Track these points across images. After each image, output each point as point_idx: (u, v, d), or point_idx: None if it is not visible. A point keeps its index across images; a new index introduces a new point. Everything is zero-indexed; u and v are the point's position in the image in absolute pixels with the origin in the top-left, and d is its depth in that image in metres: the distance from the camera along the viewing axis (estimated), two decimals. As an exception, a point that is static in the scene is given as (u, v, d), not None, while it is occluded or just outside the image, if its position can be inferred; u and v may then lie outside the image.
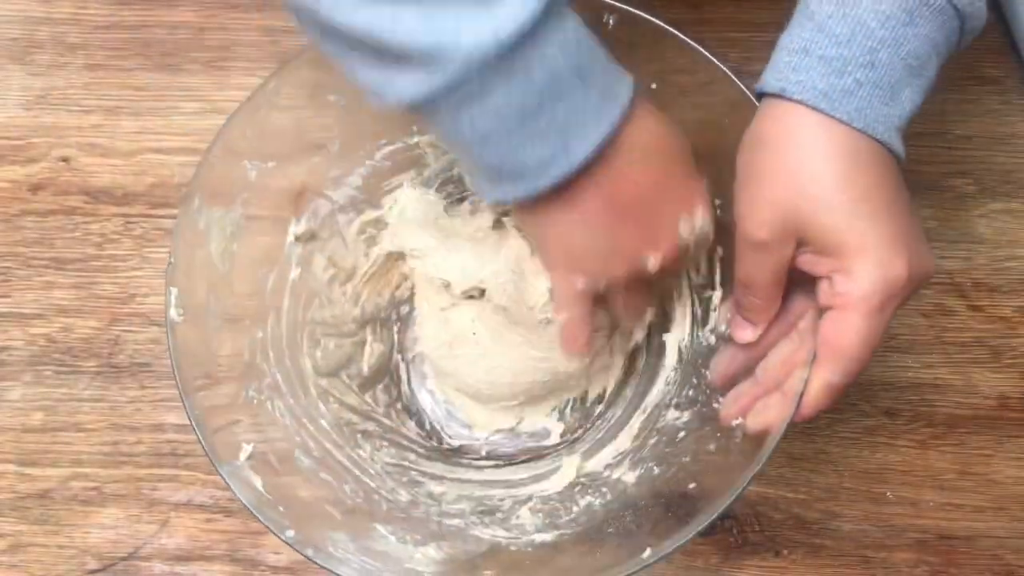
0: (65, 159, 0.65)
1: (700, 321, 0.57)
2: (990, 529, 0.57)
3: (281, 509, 0.45)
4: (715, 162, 0.51)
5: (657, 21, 0.49)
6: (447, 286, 0.56)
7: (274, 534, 0.43)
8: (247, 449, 0.47)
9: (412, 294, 0.61)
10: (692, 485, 0.48)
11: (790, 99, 0.41)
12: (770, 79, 0.42)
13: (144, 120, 0.66)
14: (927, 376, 0.60)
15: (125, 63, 0.68)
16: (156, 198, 0.64)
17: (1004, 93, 0.67)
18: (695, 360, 0.56)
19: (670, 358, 0.58)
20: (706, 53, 0.49)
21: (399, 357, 0.61)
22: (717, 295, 0.55)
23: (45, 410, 0.60)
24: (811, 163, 0.40)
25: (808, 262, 0.43)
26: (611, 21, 0.50)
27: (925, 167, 0.65)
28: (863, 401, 0.60)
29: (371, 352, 0.59)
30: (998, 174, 0.65)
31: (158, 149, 0.65)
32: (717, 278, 0.55)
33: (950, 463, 0.59)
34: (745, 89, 0.47)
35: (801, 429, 0.59)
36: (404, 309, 0.62)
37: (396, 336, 0.61)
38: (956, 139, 0.66)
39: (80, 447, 0.59)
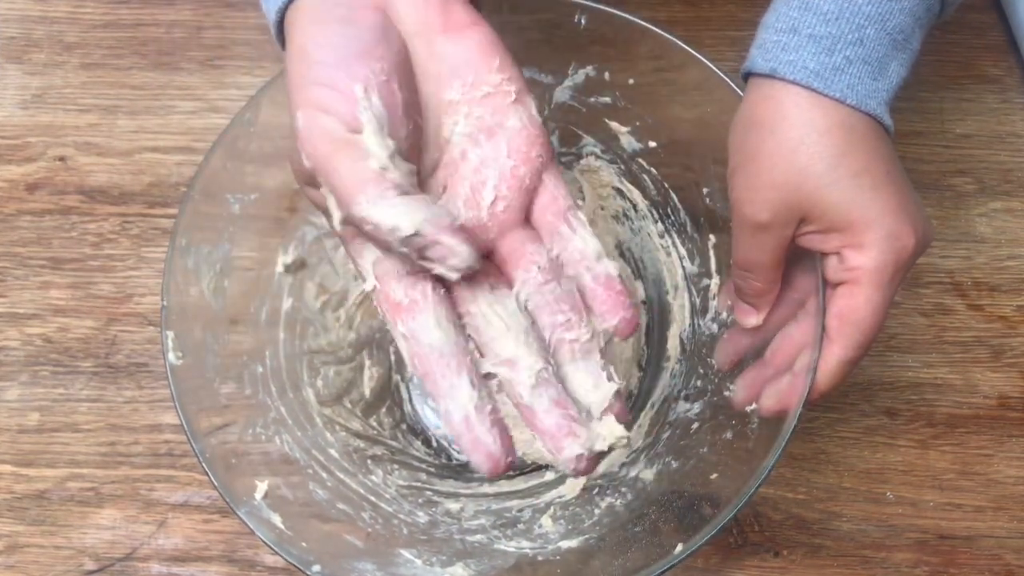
0: (62, 158, 0.65)
1: (699, 310, 0.57)
2: (990, 529, 0.57)
3: (304, 544, 0.44)
4: (707, 156, 0.51)
5: (644, 22, 0.49)
6: None
7: (301, 571, 0.43)
8: (262, 487, 0.46)
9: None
10: (714, 476, 0.48)
11: (781, 79, 0.41)
12: (758, 59, 0.42)
13: (141, 119, 0.66)
14: (927, 376, 0.60)
15: (122, 62, 0.68)
16: (153, 197, 0.64)
17: (1004, 92, 0.67)
18: (699, 350, 0.56)
19: (673, 350, 0.58)
20: (691, 50, 0.49)
21: (398, 378, 0.60)
22: (714, 283, 0.55)
23: (41, 410, 0.59)
24: (808, 142, 0.40)
25: (814, 240, 0.42)
26: (582, 21, 0.49)
27: (925, 166, 0.65)
28: (863, 401, 0.60)
29: (371, 376, 0.59)
30: (998, 173, 0.65)
31: (155, 148, 0.65)
32: (712, 266, 0.55)
33: (950, 463, 0.58)
34: (735, 87, 0.47)
35: (801, 429, 0.59)
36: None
37: (393, 356, 0.60)
38: (956, 138, 0.66)
39: (77, 447, 0.59)
